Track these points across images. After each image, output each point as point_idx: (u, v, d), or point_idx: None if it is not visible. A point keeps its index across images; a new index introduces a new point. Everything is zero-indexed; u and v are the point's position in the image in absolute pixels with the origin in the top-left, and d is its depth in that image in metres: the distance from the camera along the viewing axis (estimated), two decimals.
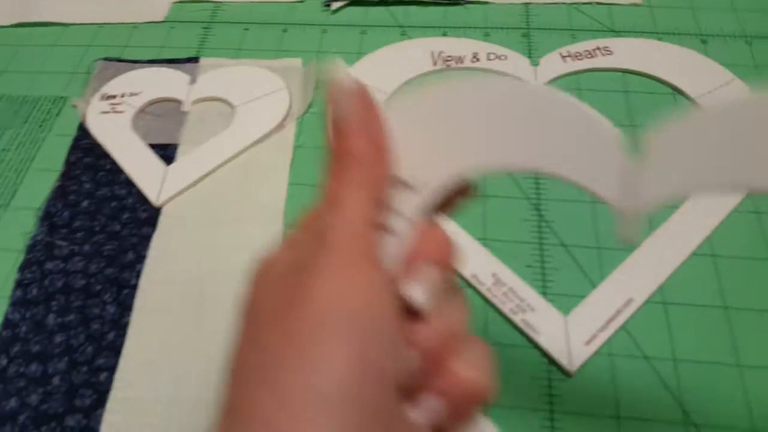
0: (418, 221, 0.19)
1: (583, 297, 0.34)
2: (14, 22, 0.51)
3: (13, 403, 0.32)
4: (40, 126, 0.45)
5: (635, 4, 0.49)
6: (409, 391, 0.18)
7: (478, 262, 0.35)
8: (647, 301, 0.33)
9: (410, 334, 0.18)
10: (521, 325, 0.33)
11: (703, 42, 0.46)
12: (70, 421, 0.32)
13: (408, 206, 0.19)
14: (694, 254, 0.35)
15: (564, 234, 0.36)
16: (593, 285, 0.34)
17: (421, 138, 0.20)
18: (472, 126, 0.19)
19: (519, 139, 0.19)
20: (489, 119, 0.19)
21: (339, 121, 0.19)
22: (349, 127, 0.19)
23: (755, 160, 0.17)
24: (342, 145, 0.19)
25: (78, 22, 0.51)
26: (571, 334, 0.32)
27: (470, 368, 0.18)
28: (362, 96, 0.19)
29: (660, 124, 0.18)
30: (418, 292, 0.18)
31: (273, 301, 0.17)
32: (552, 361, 0.32)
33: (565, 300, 0.34)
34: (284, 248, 0.19)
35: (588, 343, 0.32)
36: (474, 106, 0.19)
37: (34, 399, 0.32)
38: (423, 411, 0.18)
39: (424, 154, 0.19)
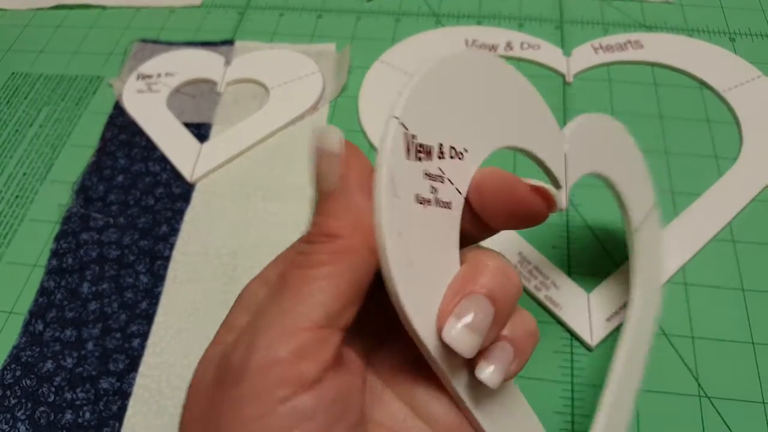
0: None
1: (606, 276, 0.34)
2: (54, 4, 0.53)
3: (49, 365, 0.33)
4: (77, 104, 0.46)
5: (667, 2, 0.49)
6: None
7: (504, 242, 0.35)
8: (668, 281, 0.34)
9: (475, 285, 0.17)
10: (545, 301, 0.33)
11: (732, 40, 0.46)
12: (104, 383, 0.32)
13: (456, 174, 0.18)
14: (714, 239, 0.35)
15: (590, 217, 0.37)
16: (617, 265, 0.35)
17: (468, 110, 0.19)
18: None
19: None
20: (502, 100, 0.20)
21: (324, 194, 0.17)
22: (334, 205, 0.17)
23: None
24: (323, 224, 0.17)
25: (116, 5, 0.52)
26: (593, 311, 0.33)
27: (525, 315, 0.19)
28: (359, 158, 0.17)
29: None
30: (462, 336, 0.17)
31: (200, 418, 0.15)
32: (574, 336, 0.32)
33: (589, 279, 0.34)
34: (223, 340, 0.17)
35: (609, 319, 0.32)
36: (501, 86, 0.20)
37: (69, 362, 0.33)
38: (497, 361, 0.17)
39: (472, 126, 0.19)
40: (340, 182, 0.17)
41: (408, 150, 0.17)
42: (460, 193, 0.18)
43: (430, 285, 0.17)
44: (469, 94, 0.19)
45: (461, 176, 0.18)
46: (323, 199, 0.17)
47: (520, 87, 0.21)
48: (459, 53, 0.19)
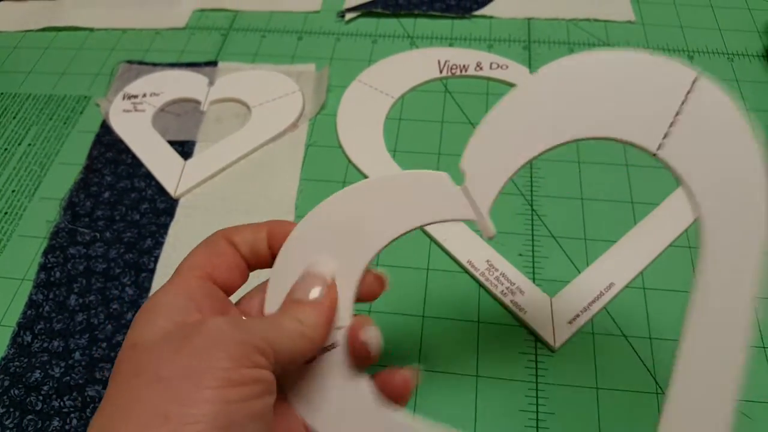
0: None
1: (568, 282, 0.36)
2: (43, 26, 0.54)
3: (37, 374, 0.34)
4: (65, 123, 0.47)
5: (629, 21, 0.52)
6: None
7: (473, 250, 0.37)
8: (627, 286, 0.36)
9: None
10: (511, 305, 0.35)
11: (690, 57, 0.49)
12: (91, 391, 0.33)
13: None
14: (672, 245, 0.37)
15: (554, 227, 0.39)
16: (579, 271, 0.37)
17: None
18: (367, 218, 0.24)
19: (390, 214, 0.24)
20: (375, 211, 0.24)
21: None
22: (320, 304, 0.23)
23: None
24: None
25: (103, 27, 0.54)
26: (556, 314, 0.34)
27: None
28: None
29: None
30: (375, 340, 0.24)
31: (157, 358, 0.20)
32: (538, 338, 0.34)
33: (553, 284, 0.36)
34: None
35: (571, 322, 0.34)
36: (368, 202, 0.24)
37: (56, 371, 0.34)
38: None
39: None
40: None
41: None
42: None
43: None
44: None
45: None
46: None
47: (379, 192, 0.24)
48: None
